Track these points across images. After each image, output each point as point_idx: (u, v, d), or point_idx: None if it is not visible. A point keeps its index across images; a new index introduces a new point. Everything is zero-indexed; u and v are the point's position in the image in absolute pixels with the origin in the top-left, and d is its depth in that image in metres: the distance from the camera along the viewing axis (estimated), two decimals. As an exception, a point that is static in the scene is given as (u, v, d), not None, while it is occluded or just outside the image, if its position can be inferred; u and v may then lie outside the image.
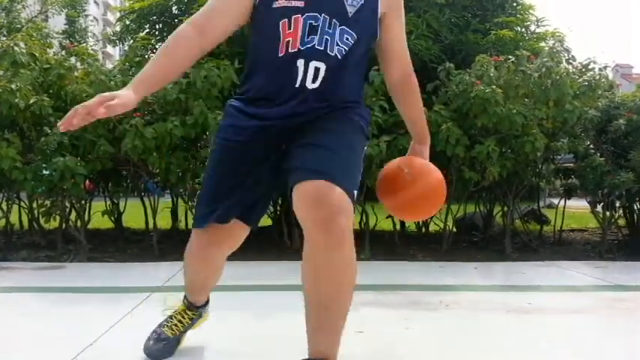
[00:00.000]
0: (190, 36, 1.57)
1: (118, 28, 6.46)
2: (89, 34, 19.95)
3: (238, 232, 1.84)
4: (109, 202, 5.19)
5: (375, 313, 2.68)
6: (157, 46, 5.82)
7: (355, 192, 1.51)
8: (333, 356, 1.54)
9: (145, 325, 2.45)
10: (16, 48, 4.33)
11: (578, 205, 6.03)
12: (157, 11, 5.66)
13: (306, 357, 1.56)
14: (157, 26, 5.83)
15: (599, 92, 4.85)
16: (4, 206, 4.70)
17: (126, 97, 1.46)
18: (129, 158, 4.22)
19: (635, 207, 5.21)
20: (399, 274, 3.78)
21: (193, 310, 2.08)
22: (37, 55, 4.57)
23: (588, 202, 5.06)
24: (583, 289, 3.41)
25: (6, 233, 4.90)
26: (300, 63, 1.57)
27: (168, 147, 4.18)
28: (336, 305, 1.51)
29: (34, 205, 4.73)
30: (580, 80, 4.81)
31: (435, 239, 5.10)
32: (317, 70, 1.58)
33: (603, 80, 4.85)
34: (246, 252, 4.50)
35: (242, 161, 1.67)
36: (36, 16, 18.16)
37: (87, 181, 4.52)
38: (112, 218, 5.24)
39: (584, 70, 4.94)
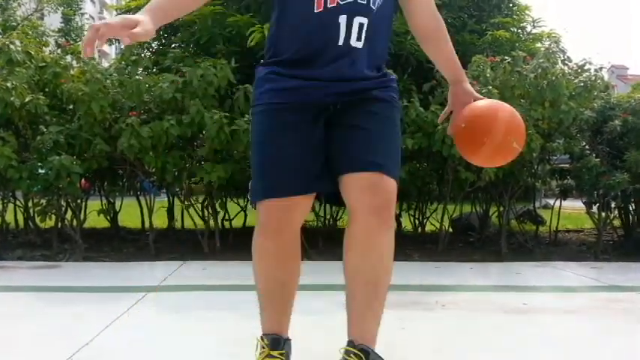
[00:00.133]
0: None
1: (114, 27, 6.43)
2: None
3: (307, 202, 1.59)
4: (104, 201, 5.18)
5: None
6: (153, 45, 5.82)
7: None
8: (375, 342, 1.60)
9: (140, 324, 2.45)
10: (11, 46, 4.32)
11: (574, 205, 6.05)
12: (153, 10, 5.65)
13: (352, 341, 1.58)
14: (154, 25, 5.82)
15: (595, 93, 4.87)
16: (-1, 205, 4.69)
17: (148, 25, 1.32)
18: (125, 157, 4.21)
19: (631, 208, 5.23)
20: (394, 274, 3.75)
21: (279, 348, 1.64)
22: (32, 53, 4.56)
23: (584, 203, 5.07)
24: (578, 290, 3.42)
25: (1, 232, 4.89)
26: (343, 19, 1.48)
27: (164, 146, 4.18)
28: (383, 287, 1.59)
29: (30, 203, 4.72)
30: (576, 81, 4.83)
31: (431, 239, 5.11)
32: (361, 26, 1.50)
33: (599, 81, 4.87)
34: (243, 252, 4.52)
35: (293, 124, 1.54)
36: (31, 14, 18.09)
37: (83, 180, 4.51)
38: (108, 217, 5.23)
39: (579, 71, 4.95)
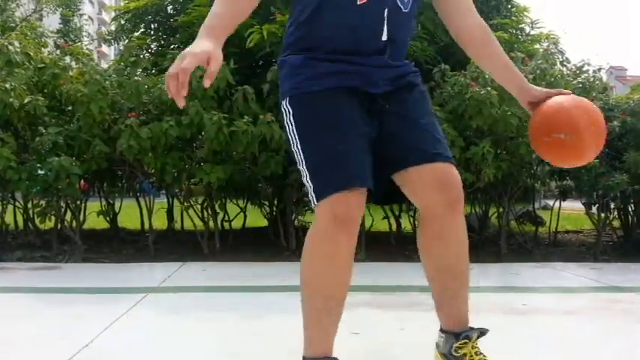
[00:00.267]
0: None
1: (113, 28, 6.45)
2: (84, 33, 19.92)
3: (362, 201, 1.46)
4: (104, 203, 5.17)
5: (370, 314, 2.68)
6: (152, 46, 5.82)
7: None
8: (468, 320, 1.65)
9: (140, 325, 2.45)
10: (10, 47, 4.32)
11: (573, 206, 6.06)
12: (152, 11, 5.65)
13: (449, 330, 1.64)
14: (152, 26, 5.83)
15: (594, 94, 4.87)
16: (-2, 206, 4.68)
17: (218, 53, 1.31)
18: (124, 158, 4.21)
19: (630, 208, 5.24)
20: (394, 275, 3.78)
21: None
22: (31, 54, 4.57)
23: (583, 204, 5.08)
24: (578, 291, 3.43)
25: (1, 233, 4.88)
26: (385, 13, 1.47)
27: (163, 147, 4.18)
28: (466, 273, 1.63)
29: (29, 205, 4.72)
30: (574, 82, 4.83)
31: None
32: (392, 18, 1.49)
33: (597, 82, 4.88)
34: (242, 253, 4.53)
35: (349, 110, 1.48)
36: (30, 15, 18.09)
37: (82, 181, 4.51)
38: (108, 218, 5.23)
39: (578, 72, 4.96)
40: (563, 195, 5.35)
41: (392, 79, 1.55)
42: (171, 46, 5.43)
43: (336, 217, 1.40)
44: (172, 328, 2.44)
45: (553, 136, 1.56)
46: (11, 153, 4.00)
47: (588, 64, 4.96)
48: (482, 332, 1.63)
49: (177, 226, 5.46)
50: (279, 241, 4.66)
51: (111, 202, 5.21)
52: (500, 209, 4.91)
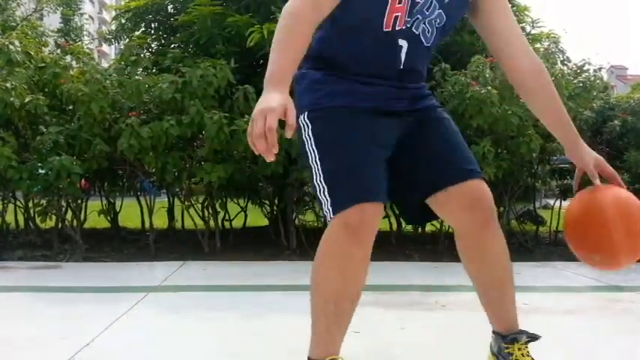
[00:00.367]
0: (307, 13, 1.40)
1: (113, 27, 6.45)
2: (84, 32, 19.91)
3: (377, 213, 1.46)
4: (105, 202, 5.18)
5: (371, 313, 2.68)
6: (152, 45, 5.82)
7: None
8: (518, 324, 1.68)
9: (141, 325, 2.45)
10: (11, 46, 4.33)
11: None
12: (152, 10, 5.65)
13: (497, 332, 1.68)
14: (153, 25, 5.83)
15: (594, 93, 4.87)
16: (-1, 205, 4.69)
17: (291, 104, 1.29)
18: (125, 157, 4.21)
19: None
20: (395, 275, 3.78)
21: None
22: (32, 53, 4.57)
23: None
24: (578, 290, 3.43)
25: (2, 232, 4.89)
26: (404, 43, 1.50)
27: (164, 146, 4.18)
28: (508, 283, 1.65)
29: (30, 204, 4.72)
30: (575, 81, 4.83)
31: (431, 239, 5.11)
32: (412, 50, 1.52)
33: (598, 81, 4.88)
34: (243, 252, 4.53)
35: (366, 124, 1.50)
36: (31, 15, 18.09)
37: (83, 181, 4.51)
38: (108, 218, 5.23)
39: (579, 71, 4.96)
40: (564, 194, 5.35)
41: (411, 99, 1.59)
42: (172, 45, 5.43)
43: (347, 227, 1.41)
44: (173, 327, 2.44)
45: (587, 254, 1.55)
46: (12, 152, 4.00)
47: (589, 64, 4.97)
48: (533, 337, 1.67)
49: (178, 225, 5.46)
50: (279, 240, 4.67)
51: (112, 201, 5.21)
52: (501, 208, 4.91)
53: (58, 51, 5.12)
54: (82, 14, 20.67)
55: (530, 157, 4.52)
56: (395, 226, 5.22)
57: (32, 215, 4.71)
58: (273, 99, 1.28)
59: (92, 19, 33.32)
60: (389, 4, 1.44)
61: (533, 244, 5.07)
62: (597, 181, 1.59)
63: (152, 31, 5.86)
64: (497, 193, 4.85)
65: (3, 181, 4.24)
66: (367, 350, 2.14)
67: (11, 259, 4.19)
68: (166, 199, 5.34)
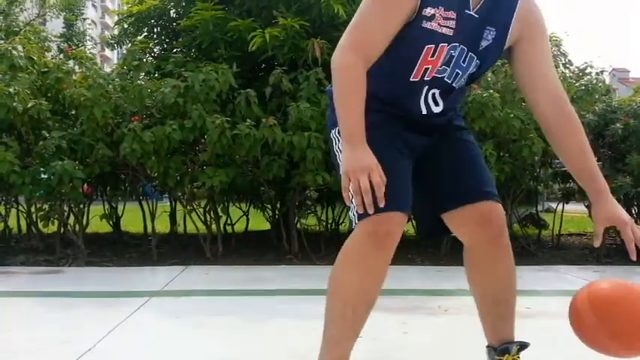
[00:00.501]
0: (361, 69, 1.48)
1: (116, 32, 6.47)
2: (87, 37, 19.95)
3: (401, 222, 1.52)
4: (107, 206, 5.18)
5: (373, 318, 2.66)
6: (155, 50, 5.83)
7: None
8: (513, 334, 1.72)
9: (143, 329, 2.45)
10: (14, 51, 4.34)
11: (577, 209, 6.04)
12: (155, 15, 5.67)
13: (490, 344, 1.73)
14: (155, 30, 5.84)
15: (596, 96, 4.87)
16: (2, 210, 4.69)
17: (375, 159, 1.42)
18: (127, 162, 4.21)
19: (633, 211, 5.22)
20: (397, 279, 3.77)
21: None
22: (35, 58, 4.58)
23: (586, 206, 5.05)
24: (581, 294, 3.41)
25: (4, 237, 4.90)
26: (426, 90, 1.57)
27: (166, 151, 4.18)
28: (511, 299, 1.69)
29: (33, 209, 4.73)
30: (577, 84, 4.83)
31: (434, 244, 5.10)
32: (440, 96, 1.59)
33: (600, 84, 4.87)
34: (245, 256, 4.53)
35: (391, 138, 1.58)
36: (34, 20, 18.15)
37: (85, 185, 4.52)
38: (111, 222, 5.24)
39: (581, 74, 4.96)
40: (567, 197, 5.33)
41: (437, 125, 1.66)
42: (174, 50, 5.44)
43: (373, 235, 1.47)
44: (174, 332, 2.44)
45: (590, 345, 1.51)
46: (15, 157, 4.01)
47: (591, 67, 4.98)
48: (523, 345, 1.69)
49: (180, 229, 5.46)
50: (281, 244, 4.66)
51: (114, 205, 5.21)
52: (503, 212, 4.90)
53: (61, 56, 5.14)
54: (84, 19, 20.72)
55: (533, 161, 4.51)
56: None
57: (35, 220, 4.71)
58: (367, 157, 1.41)
59: (95, 23, 33.42)
60: (421, 57, 1.51)
61: (535, 247, 5.05)
62: (596, 243, 1.56)
63: (154, 36, 5.87)
64: (500, 197, 4.83)
65: (6, 185, 4.25)
66: (369, 354, 2.14)
67: (14, 264, 4.19)
68: (168, 204, 5.34)
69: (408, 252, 4.74)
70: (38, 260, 4.30)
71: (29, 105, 4.09)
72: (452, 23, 1.47)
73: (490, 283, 1.68)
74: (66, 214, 4.49)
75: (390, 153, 1.53)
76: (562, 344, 2.30)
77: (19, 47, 4.46)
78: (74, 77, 4.56)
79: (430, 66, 1.52)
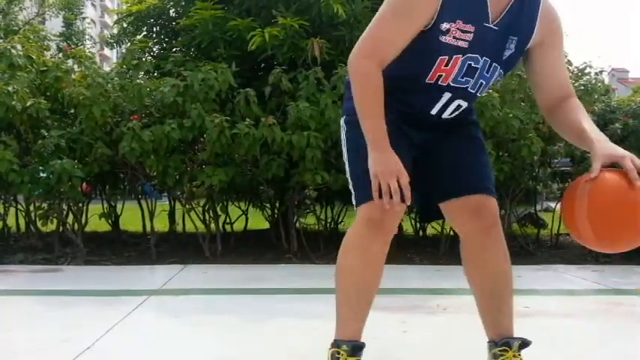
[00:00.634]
0: (379, 72, 1.56)
1: (115, 31, 6.46)
2: (86, 36, 19.94)
3: (401, 212, 1.64)
4: (106, 205, 5.18)
5: (372, 317, 2.66)
6: (154, 49, 5.83)
7: None
8: (513, 330, 1.74)
9: (142, 328, 2.45)
10: (13, 50, 4.34)
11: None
12: (154, 14, 5.67)
13: (493, 341, 1.73)
14: (155, 29, 5.84)
15: (596, 96, 4.87)
16: (1, 209, 4.69)
17: (402, 166, 1.56)
18: (126, 161, 4.21)
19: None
20: (396, 278, 3.77)
21: (358, 355, 1.68)
22: (34, 57, 4.58)
23: (585, 206, 5.06)
24: (579, 293, 3.42)
25: (3, 236, 4.89)
26: (447, 96, 1.63)
27: (165, 150, 4.18)
28: (506, 291, 1.72)
29: (31, 207, 4.72)
30: (576, 84, 4.83)
31: (433, 243, 5.11)
32: (459, 107, 1.67)
33: (599, 84, 4.88)
34: (244, 255, 4.53)
35: (395, 132, 1.63)
36: (33, 19, 18.13)
37: (84, 184, 4.51)
38: (109, 221, 5.24)
39: (580, 74, 4.96)
40: (565, 197, 5.33)
41: (443, 123, 1.71)
42: (173, 49, 5.44)
43: (369, 221, 1.62)
44: (173, 330, 2.44)
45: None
46: (14, 156, 4.01)
47: (590, 67, 4.97)
48: (525, 343, 1.70)
49: (179, 228, 5.46)
50: (280, 243, 4.66)
51: (113, 204, 5.21)
52: (502, 211, 4.90)
53: (60, 55, 5.14)
54: (84, 18, 20.71)
55: (532, 160, 4.52)
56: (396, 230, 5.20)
57: (33, 219, 4.71)
58: (394, 161, 1.55)
59: (94, 23, 33.40)
60: (435, 66, 1.56)
61: (534, 247, 5.06)
62: (593, 175, 1.46)
63: (154, 35, 5.87)
64: (499, 196, 4.84)
65: (4, 184, 4.25)
66: (369, 353, 2.13)
67: (12, 262, 4.19)
68: (167, 203, 5.34)
69: (407, 251, 4.74)
70: (37, 259, 4.29)
71: (28, 104, 4.09)
72: (469, 36, 1.52)
73: (484, 274, 1.72)
74: (65, 212, 4.49)
75: (395, 149, 1.59)
76: (561, 343, 2.30)
77: (18, 46, 4.46)
78: (73, 76, 4.55)
79: (444, 74, 1.58)
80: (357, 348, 1.67)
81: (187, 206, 4.65)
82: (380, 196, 1.55)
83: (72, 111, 4.50)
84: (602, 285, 3.64)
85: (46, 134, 4.18)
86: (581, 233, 1.51)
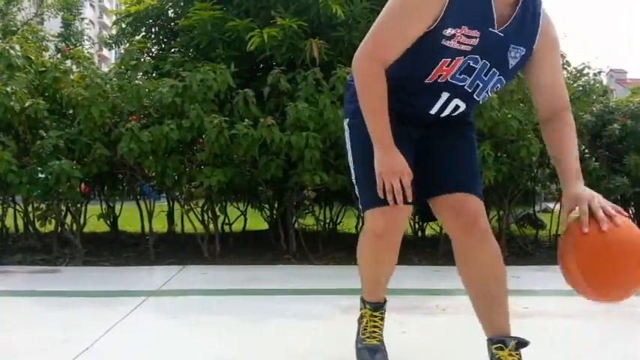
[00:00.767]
0: (382, 73, 1.60)
1: (114, 32, 6.46)
2: (85, 37, 19.91)
3: (400, 215, 1.73)
4: (104, 206, 5.17)
5: (371, 318, 2.68)
6: (153, 50, 5.82)
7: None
8: (509, 329, 1.74)
9: (140, 329, 2.45)
10: (11, 51, 4.33)
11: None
12: (153, 15, 5.66)
13: (490, 339, 1.74)
14: (153, 30, 5.84)
15: (594, 97, 4.87)
16: (-1, 210, 4.68)
17: (403, 159, 1.62)
18: (125, 162, 4.21)
19: (631, 211, 5.23)
20: (395, 279, 3.74)
21: (380, 310, 2.00)
22: (32, 58, 4.57)
23: (583, 207, 5.07)
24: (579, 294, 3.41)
25: (1, 237, 4.89)
26: (445, 95, 1.66)
27: (164, 150, 4.18)
28: (496, 289, 1.73)
29: (30, 208, 4.72)
30: (575, 85, 4.84)
31: (432, 243, 5.11)
32: (457, 107, 1.70)
33: (598, 85, 4.88)
34: (243, 256, 4.53)
35: (397, 136, 1.66)
36: (31, 19, 18.12)
37: (82, 185, 4.51)
38: (108, 222, 5.23)
39: (578, 75, 4.96)
40: (564, 198, 5.33)
41: (441, 120, 1.75)
42: (172, 50, 5.44)
43: (374, 232, 1.74)
44: (172, 331, 2.44)
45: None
46: (12, 156, 4.00)
47: (588, 67, 4.97)
48: (522, 342, 1.71)
49: (178, 229, 5.45)
50: (279, 244, 4.66)
51: (111, 205, 5.20)
52: (501, 212, 4.91)
53: (59, 55, 5.13)
54: (82, 19, 20.67)
55: (530, 161, 4.52)
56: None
57: (32, 219, 4.70)
58: (398, 160, 1.61)
59: (93, 23, 33.35)
60: (437, 67, 1.59)
61: (533, 247, 5.06)
62: (562, 228, 1.62)
63: (152, 36, 5.87)
64: (497, 197, 4.85)
65: (3, 185, 4.24)
66: (367, 354, 2.13)
67: (11, 263, 4.18)
68: (166, 203, 5.34)
69: (406, 252, 4.74)
70: (35, 259, 4.29)
71: (26, 104, 4.08)
72: (474, 41, 1.55)
73: (472, 273, 1.74)
74: (63, 213, 4.48)
75: (399, 147, 1.65)
76: (560, 344, 2.31)
77: (17, 47, 4.44)
78: (72, 77, 4.54)
79: (444, 73, 1.61)
80: (377, 306, 1.98)
81: (186, 207, 4.65)
82: (385, 195, 1.61)
83: (70, 111, 4.50)
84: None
85: (45, 135, 4.18)
86: (579, 288, 1.62)
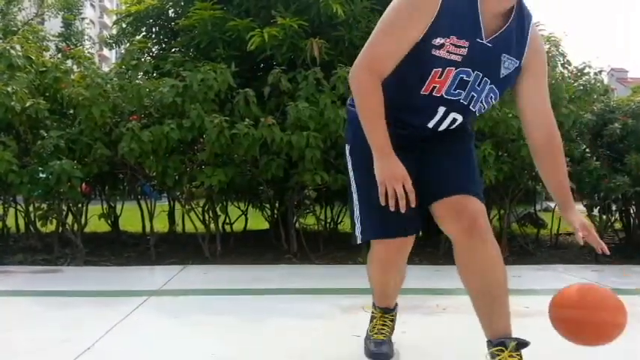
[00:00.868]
0: (377, 84, 1.64)
1: (114, 31, 6.46)
2: (85, 37, 19.92)
3: (402, 244, 1.88)
4: (105, 206, 5.18)
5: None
6: (153, 49, 5.82)
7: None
8: (510, 330, 1.75)
9: (141, 329, 2.45)
10: (12, 51, 4.33)
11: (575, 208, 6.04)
12: (153, 14, 5.66)
13: (490, 340, 1.75)
14: (154, 29, 5.84)
15: (595, 96, 4.87)
16: (0, 210, 4.68)
17: (403, 168, 1.65)
18: (125, 161, 4.21)
19: (632, 210, 5.23)
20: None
21: (391, 313, 2.12)
22: (33, 58, 4.57)
23: (585, 206, 5.07)
24: (579, 293, 3.41)
25: (2, 237, 4.89)
26: (441, 110, 1.69)
27: (164, 150, 4.18)
28: (496, 291, 1.73)
29: (31, 208, 4.72)
30: (575, 84, 4.83)
31: (432, 243, 5.10)
32: (454, 120, 1.73)
33: (598, 84, 4.87)
34: (244, 256, 4.53)
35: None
36: (32, 19, 18.12)
37: (83, 185, 4.51)
38: (109, 222, 5.23)
39: (579, 74, 4.96)
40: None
41: (438, 132, 1.78)
42: (173, 50, 5.44)
43: (378, 258, 1.88)
44: (173, 331, 2.44)
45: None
46: (13, 156, 4.00)
47: (589, 67, 4.97)
48: (522, 343, 1.71)
49: (179, 229, 5.46)
50: (280, 244, 4.66)
51: (112, 205, 5.21)
52: (502, 211, 4.90)
53: (59, 55, 5.13)
54: (83, 19, 20.68)
55: (531, 160, 4.50)
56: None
57: (33, 219, 4.70)
58: (398, 168, 1.64)
59: (93, 23, 33.35)
60: (429, 77, 1.62)
61: (534, 246, 5.06)
62: (580, 241, 1.78)
63: (153, 36, 5.87)
64: (498, 196, 4.85)
65: (4, 185, 4.25)
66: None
67: (12, 263, 4.19)
68: (167, 203, 5.34)
69: (407, 251, 4.73)
70: (36, 259, 4.29)
71: (27, 104, 4.09)
72: (462, 51, 1.58)
73: (472, 275, 1.74)
74: (64, 213, 4.49)
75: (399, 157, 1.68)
76: (560, 344, 2.30)
77: (17, 47, 4.45)
78: (72, 77, 4.55)
79: (437, 85, 1.63)
80: (387, 309, 2.10)
81: (187, 207, 4.65)
82: (387, 202, 1.64)
83: (71, 111, 4.50)
84: (602, 285, 3.64)
85: (46, 135, 4.18)
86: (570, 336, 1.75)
